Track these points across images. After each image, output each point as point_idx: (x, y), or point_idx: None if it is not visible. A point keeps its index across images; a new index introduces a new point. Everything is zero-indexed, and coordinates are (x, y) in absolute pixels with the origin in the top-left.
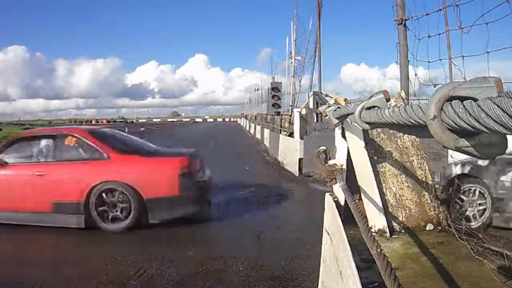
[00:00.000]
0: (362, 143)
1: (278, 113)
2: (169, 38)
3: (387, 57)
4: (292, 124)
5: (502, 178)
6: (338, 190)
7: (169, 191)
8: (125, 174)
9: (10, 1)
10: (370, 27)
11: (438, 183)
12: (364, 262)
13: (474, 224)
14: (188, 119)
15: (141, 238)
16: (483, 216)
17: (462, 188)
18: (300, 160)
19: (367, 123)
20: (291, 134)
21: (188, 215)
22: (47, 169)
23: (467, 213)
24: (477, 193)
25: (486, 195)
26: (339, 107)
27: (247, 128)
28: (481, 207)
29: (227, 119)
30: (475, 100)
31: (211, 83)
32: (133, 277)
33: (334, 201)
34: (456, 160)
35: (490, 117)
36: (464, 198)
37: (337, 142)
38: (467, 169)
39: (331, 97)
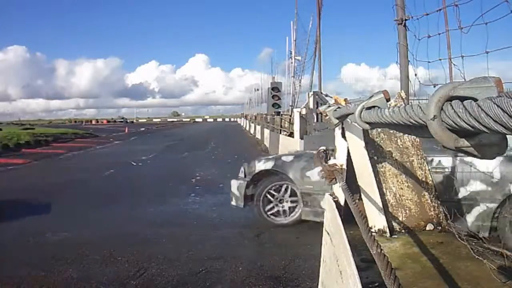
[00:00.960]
0: (362, 143)
1: (278, 113)
2: (170, 38)
3: (387, 57)
4: (292, 124)
5: (308, 173)
6: (338, 190)
7: None
8: None
9: (10, 1)
10: (370, 27)
11: (242, 179)
12: (364, 262)
13: (283, 220)
14: (188, 119)
15: (141, 238)
16: (294, 212)
17: (272, 184)
18: None
19: (367, 123)
20: (291, 134)
21: None
22: None
23: (277, 208)
24: (288, 189)
25: (295, 191)
26: (339, 107)
27: (247, 128)
28: (292, 204)
29: (227, 119)
30: (475, 100)
31: (211, 83)
32: (133, 277)
33: (334, 201)
34: (267, 157)
35: (490, 117)
36: (275, 194)
37: (337, 142)
38: (271, 165)
39: (331, 97)
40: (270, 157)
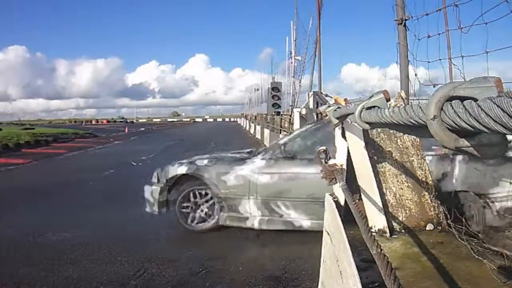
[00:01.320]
0: (362, 143)
1: (278, 113)
2: (170, 38)
3: (387, 57)
4: (292, 124)
5: (223, 177)
6: (338, 190)
7: None
8: None
9: (10, 1)
10: (370, 27)
11: (156, 184)
12: (364, 262)
13: (202, 226)
14: (188, 119)
15: (141, 238)
16: (212, 217)
17: (191, 189)
18: None
19: (367, 123)
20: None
21: None
22: None
23: (195, 214)
24: (204, 194)
25: (214, 196)
26: (339, 107)
27: (247, 128)
28: (210, 209)
29: (227, 119)
30: (475, 100)
31: (211, 83)
32: (133, 277)
33: (334, 201)
34: (181, 161)
35: (490, 117)
36: (191, 199)
37: (337, 142)
38: (185, 169)
39: (331, 97)
40: (184, 161)
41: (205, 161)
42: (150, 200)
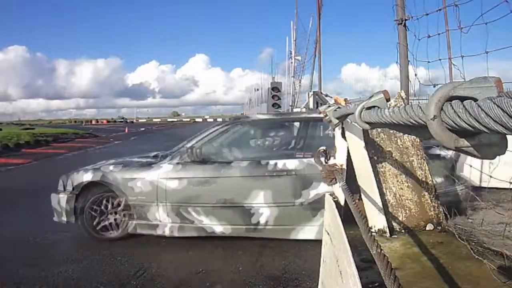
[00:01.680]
0: (362, 143)
1: None
2: (170, 38)
3: (387, 57)
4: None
5: (130, 183)
6: (338, 190)
7: None
8: None
9: (10, 1)
10: (370, 27)
11: (62, 192)
12: (364, 262)
13: (111, 234)
14: (188, 119)
15: (141, 239)
16: (122, 225)
17: (98, 197)
18: None
19: (367, 123)
20: None
21: None
22: None
23: (104, 222)
24: (113, 201)
25: (122, 203)
26: (339, 107)
27: None
28: (119, 216)
29: (227, 119)
30: (475, 100)
31: (211, 83)
32: (133, 277)
33: (334, 201)
34: (87, 167)
35: (490, 117)
36: (99, 207)
37: (337, 142)
38: (91, 176)
39: (331, 97)
40: (89, 167)
41: (111, 167)
42: (58, 209)
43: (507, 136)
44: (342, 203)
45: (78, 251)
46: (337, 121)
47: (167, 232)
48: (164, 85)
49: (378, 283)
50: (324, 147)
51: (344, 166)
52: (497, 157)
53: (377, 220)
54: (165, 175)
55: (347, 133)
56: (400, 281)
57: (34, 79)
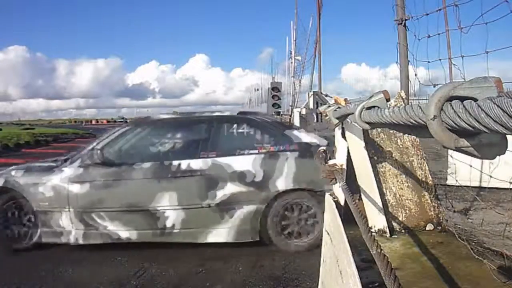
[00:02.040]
0: (362, 143)
1: (278, 113)
2: (170, 38)
3: (387, 57)
4: (293, 124)
5: (33, 189)
6: (338, 190)
7: None
8: None
9: (10, 1)
10: (370, 27)
11: None
12: (364, 262)
13: (22, 243)
14: None
15: None
16: (32, 234)
17: (6, 203)
18: None
19: (367, 123)
20: None
21: None
22: None
23: (16, 231)
24: (21, 208)
25: (29, 210)
26: (339, 107)
27: None
28: (29, 224)
29: None
30: (475, 100)
31: (211, 83)
32: (133, 277)
33: (334, 201)
34: None
35: (490, 117)
36: (11, 216)
37: (337, 142)
38: (2, 182)
39: (331, 97)
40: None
41: (13, 172)
42: None
43: (507, 136)
44: (342, 203)
45: (78, 251)
46: (337, 121)
47: (72, 240)
48: (164, 85)
49: (378, 283)
50: (324, 148)
51: (344, 166)
52: (497, 157)
53: (377, 220)
54: (67, 180)
55: (347, 133)
56: (400, 281)
57: (34, 79)
